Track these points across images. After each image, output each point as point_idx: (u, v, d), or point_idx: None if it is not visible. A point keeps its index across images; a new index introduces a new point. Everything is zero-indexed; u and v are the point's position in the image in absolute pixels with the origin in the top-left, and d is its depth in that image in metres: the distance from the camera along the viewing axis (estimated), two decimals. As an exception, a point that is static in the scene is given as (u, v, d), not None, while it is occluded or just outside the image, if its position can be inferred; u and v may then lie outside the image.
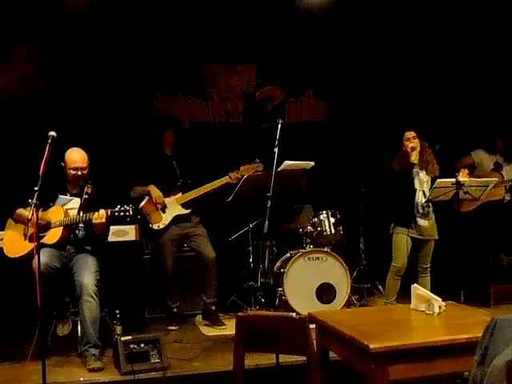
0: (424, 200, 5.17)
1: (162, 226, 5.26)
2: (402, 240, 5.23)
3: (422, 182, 5.21)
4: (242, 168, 5.21)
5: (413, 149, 5.20)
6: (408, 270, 5.26)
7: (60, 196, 4.53)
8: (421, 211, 5.22)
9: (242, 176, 5.18)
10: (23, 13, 5.57)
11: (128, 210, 4.22)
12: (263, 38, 6.29)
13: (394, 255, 5.29)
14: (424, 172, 5.22)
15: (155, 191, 5.24)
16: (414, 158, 5.20)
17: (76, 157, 4.51)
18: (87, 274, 4.28)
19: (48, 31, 5.65)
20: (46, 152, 3.80)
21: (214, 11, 6.08)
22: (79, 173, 4.49)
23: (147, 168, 5.33)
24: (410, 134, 5.25)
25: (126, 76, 6.01)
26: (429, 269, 5.30)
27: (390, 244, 5.35)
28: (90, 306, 4.20)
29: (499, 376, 1.80)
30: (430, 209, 5.24)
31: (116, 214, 4.23)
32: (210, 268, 5.26)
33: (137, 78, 6.09)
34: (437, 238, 5.30)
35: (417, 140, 5.22)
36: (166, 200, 5.27)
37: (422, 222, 5.22)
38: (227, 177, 5.22)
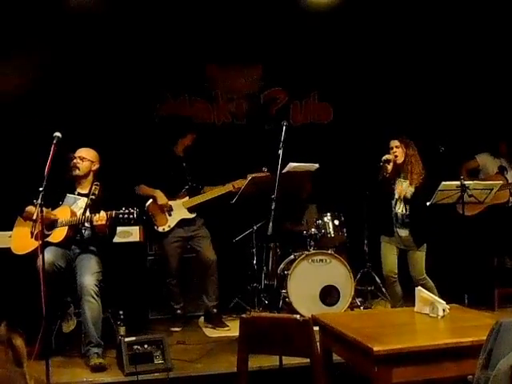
0: (404, 211, 5.05)
1: (167, 229, 5.27)
2: (384, 248, 5.22)
3: (402, 192, 5.04)
4: (248, 176, 5.20)
5: (386, 161, 5.04)
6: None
7: (68, 195, 4.57)
8: (400, 221, 5.10)
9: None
10: (31, 14, 5.59)
11: (132, 213, 4.23)
12: (268, 40, 6.28)
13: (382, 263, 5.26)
14: (407, 182, 5.03)
15: (161, 198, 5.24)
16: (387, 171, 5.04)
17: (79, 149, 4.59)
18: (88, 274, 4.30)
19: (55, 32, 5.66)
20: (51, 153, 3.82)
21: (219, 13, 6.08)
22: (75, 162, 4.53)
23: (157, 169, 5.33)
24: (393, 143, 5.08)
25: (131, 77, 6.02)
26: (424, 279, 5.05)
27: None
28: (92, 306, 4.21)
29: (503, 379, 1.79)
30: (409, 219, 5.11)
31: (120, 215, 4.24)
32: (211, 270, 5.27)
33: (142, 79, 6.10)
34: (420, 249, 5.10)
35: (399, 149, 5.03)
36: (173, 203, 5.27)
37: (402, 232, 5.11)
38: (230, 185, 5.23)
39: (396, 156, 5.05)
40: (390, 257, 5.18)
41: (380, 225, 5.29)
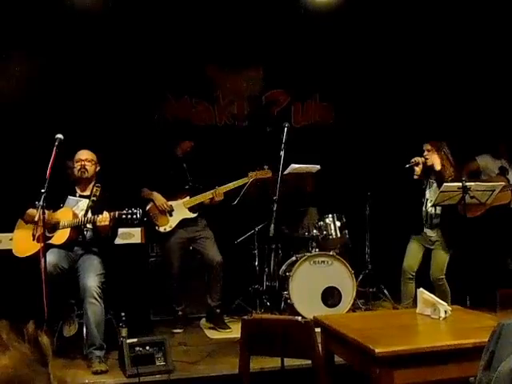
0: (433, 212, 5.14)
1: (168, 229, 5.27)
2: (410, 244, 5.29)
3: (434, 193, 5.14)
4: (250, 174, 5.20)
5: (415, 163, 5.15)
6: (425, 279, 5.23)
7: (69, 197, 4.57)
8: (429, 221, 5.19)
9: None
10: (32, 16, 5.60)
11: (135, 213, 4.24)
12: (270, 42, 6.29)
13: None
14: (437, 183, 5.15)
15: (158, 199, 5.24)
16: (416, 173, 5.17)
17: (81, 152, 4.61)
18: (91, 276, 4.30)
19: (56, 34, 5.67)
20: (53, 154, 3.84)
21: (221, 14, 6.08)
22: (83, 164, 4.54)
23: (158, 170, 5.34)
24: (424, 147, 5.20)
25: (133, 79, 6.03)
26: (442, 280, 5.15)
27: (396, 248, 5.35)
28: (94, 308, 4.21)
29: (505, 381, 1.79)
30: (438, 220, 5.19)
31: (123, 216, 4.25)
32: (216, 271, 5.26)
33: (144, 81, 6.11)
34: (446, 249, 5.17)
35: (430, 153, 5.15)
36: (174, 203, 5.27)
37: (430, 232, 5.21)
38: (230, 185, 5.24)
39: (426, 159, 5.16)
40: (413, 253, 5.25)
41: (409, 224, 5.34)
